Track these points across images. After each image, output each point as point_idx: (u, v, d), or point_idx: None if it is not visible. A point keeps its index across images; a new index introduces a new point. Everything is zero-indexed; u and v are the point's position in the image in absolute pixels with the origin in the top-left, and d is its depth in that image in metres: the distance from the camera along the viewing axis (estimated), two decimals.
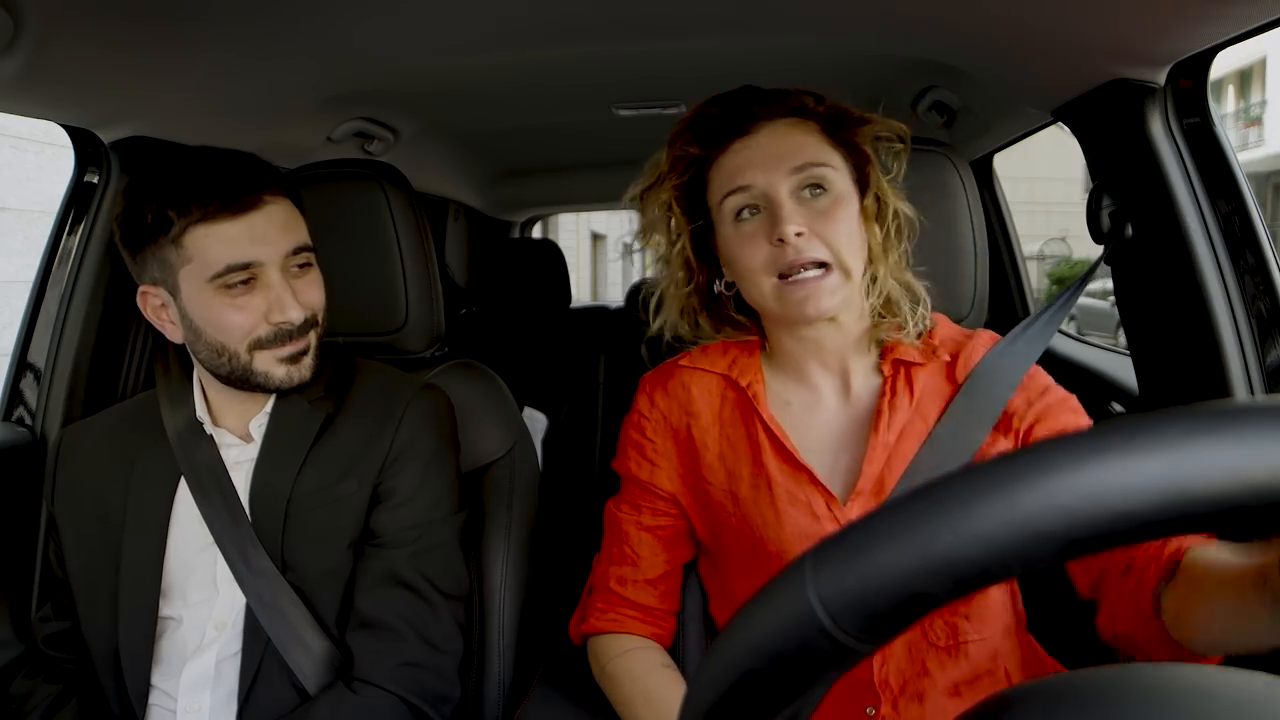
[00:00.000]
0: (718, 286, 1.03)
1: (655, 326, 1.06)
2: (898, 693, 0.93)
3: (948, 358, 0.99)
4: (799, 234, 0.89)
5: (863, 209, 0.95)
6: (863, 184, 0.97)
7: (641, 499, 1.04)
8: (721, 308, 1.05)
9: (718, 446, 1.01)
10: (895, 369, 0.98)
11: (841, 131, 0.96)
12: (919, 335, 1.00)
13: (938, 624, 0.94)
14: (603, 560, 1.07)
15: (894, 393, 0.97)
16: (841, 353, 0.99)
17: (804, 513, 0.94)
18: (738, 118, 0.95)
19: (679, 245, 1.02)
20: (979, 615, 0.95)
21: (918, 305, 1.00)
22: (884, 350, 1.00)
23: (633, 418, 1.07)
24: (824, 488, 0.95)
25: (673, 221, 1.01)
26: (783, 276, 0.91)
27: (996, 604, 0.97)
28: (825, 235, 0.91)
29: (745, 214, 0.94)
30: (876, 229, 0.97)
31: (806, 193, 0.92)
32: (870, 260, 0.96)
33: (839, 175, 0.94)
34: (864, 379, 1.00)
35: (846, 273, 0.92)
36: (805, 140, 0.94)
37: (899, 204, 0.99)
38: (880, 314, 0.99)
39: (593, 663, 1.04)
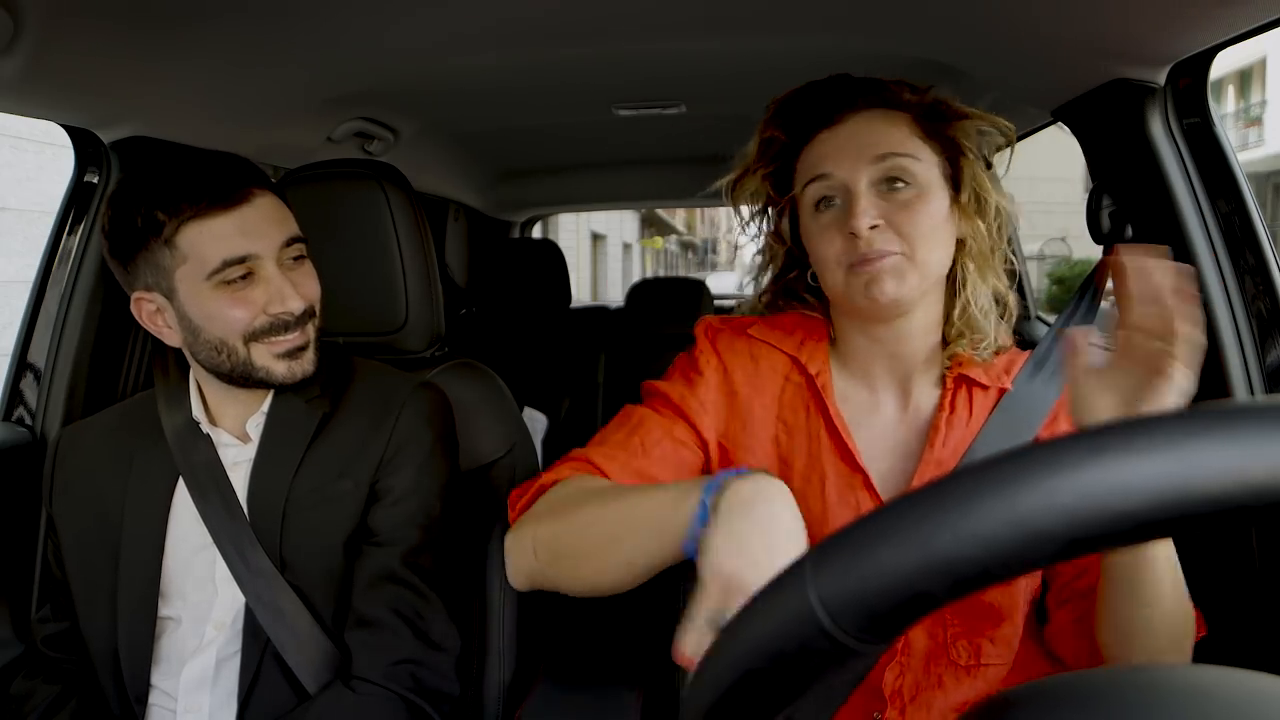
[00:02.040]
0: (795, 275, 1.01)
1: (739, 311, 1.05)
2: (907, 701, 0.92)
3: (1008, 383, 0.96)
4: (873, 227, 0.86)
5: (958, 206, 0.91)
6: (957, 179, 0.92)
7: (677, 417, 0.98)
8: (796, 291, 1.02)
9: (772, 429, 0.97)
10: (958, 384, 0.96)
11: (938, 124, 0.92)
12: (995, 353, 0.96)
13: (961, 642, 0.93)
14: (593, 442, 0.98)
15: (952, 408, 0.95)
16: (908, 361, 0.96)
17: (851, 514, 0.92)
18: (826, 107, 0.92)
19: (773, 230, 1.00)
20: (1005, 640, 0.94)
21: (1002, 320, 0.96)
22: (951, 364, 0.96)
23: (692, 354, 1.02)
24: (876, 494, 0.93)
25: (768, 210, 1.00)
26: (850, 264, 0.88)
27: (1021, 633, 0.96)
28: (902, 228, 0.87)
29: (823, 205, 0.91)
30: (980, 226, 0.92)
31: (886, 185, 0.89)
32: (963, 262, 0.92)
33: (925, 168, 0.89)
34: (926, 391, 0.97)
35: (915, 262, 0.88)
36: (891, 131, 0.90)
37: (1000, 199, 0.93)
38: (960, 331, 0.94)
39: (522, 537, 0.90)
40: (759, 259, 1.05)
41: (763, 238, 1.02)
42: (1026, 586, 0.95)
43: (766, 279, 1.04)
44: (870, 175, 0.89)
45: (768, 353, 1.00)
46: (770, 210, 1.00)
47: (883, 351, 0.96)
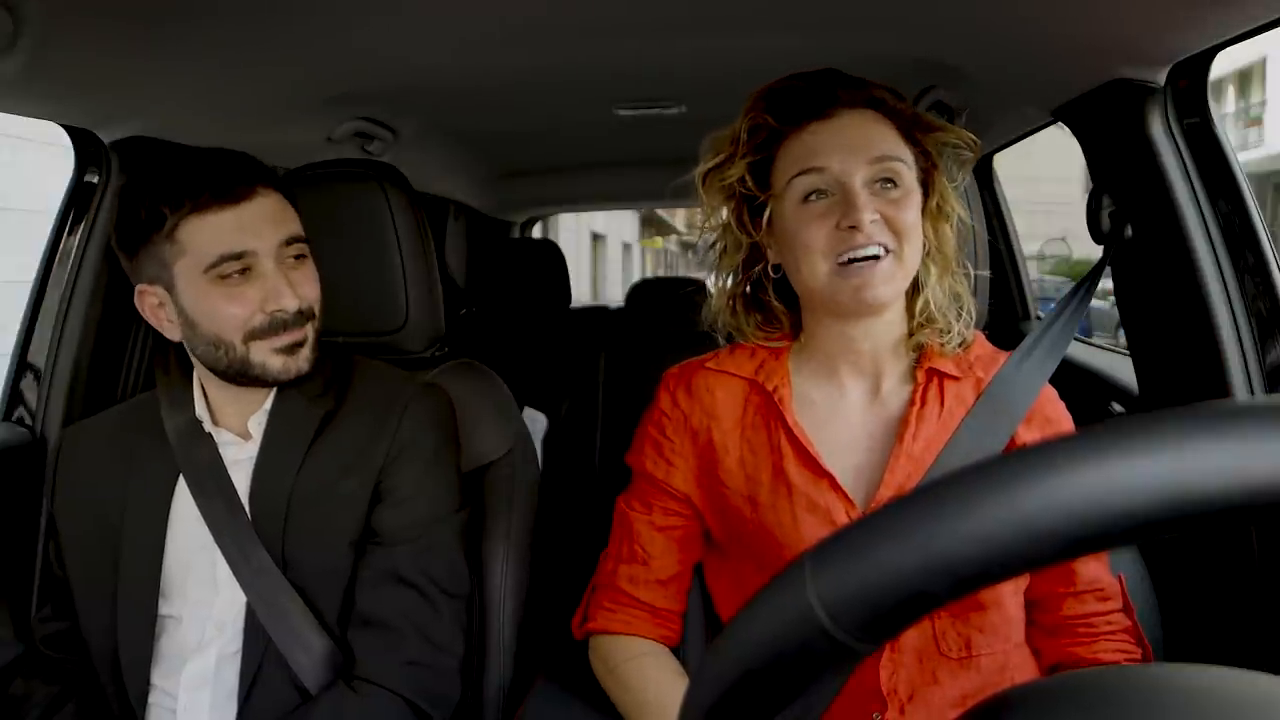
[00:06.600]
0: (758, 268, 1.01)
1: (708, 320, 1.05)
2: (905, 700, 0.93)
3: (981, 374, 0.99)
4: (873, 220, 0.90)
5: (928, 210, 0.96)
6: (927, 185, 0.97)
7: (654, 497, 1.03)
8: (760, 293, 1.03)
9: (738, 451, 0.99)
10: (929, 378, 0.98)
11: (915, 131, 0.96)
12: (959, 346, 0.99)
13: (950, 635, 0.93)
14: (610, 558, 1.05)
15: (924, 402, 0.96)
16: (876, 354, 0.98)
17: (822, 520, 0.93)
18: (820, 99, 0.94)
19: (746, 224, 0.99)
20: (993, 629, 0.94)
21: (960, 318, 0.99)
22: (920, 358, 0.99)
23: (653, 414, 1.05)
24: (845, 494, 0.94)
25: (737, 202, 0.99)
26: (840, 263, 0.91)
27: (1011, 618, 0.96)
28: (895, 224, 0.91)
29: (814, 196, 0.92)
30: (947, 229, 0.98)
31: (880, 185, 0.92)
32: (928, 263, 0.97)
33: (910, 172, 0.94)
34: (895, 384, 0.99)
35: (902, 261, 0.91)
36: (885, 133, 0.94)
37: (960, 210, 0.99)
38: (922, 323, 0.98)
39: (597, 662, 1.03)
40: (718, 247, 1.04)
41: (720, 229, 1.03)
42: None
43: (729, 277, 1.04)
44: (866, 174, 0.92)
45: (726, 381, 1.02)
46: (741, 201, 0.99)
47: (852, 347, 0.98)
